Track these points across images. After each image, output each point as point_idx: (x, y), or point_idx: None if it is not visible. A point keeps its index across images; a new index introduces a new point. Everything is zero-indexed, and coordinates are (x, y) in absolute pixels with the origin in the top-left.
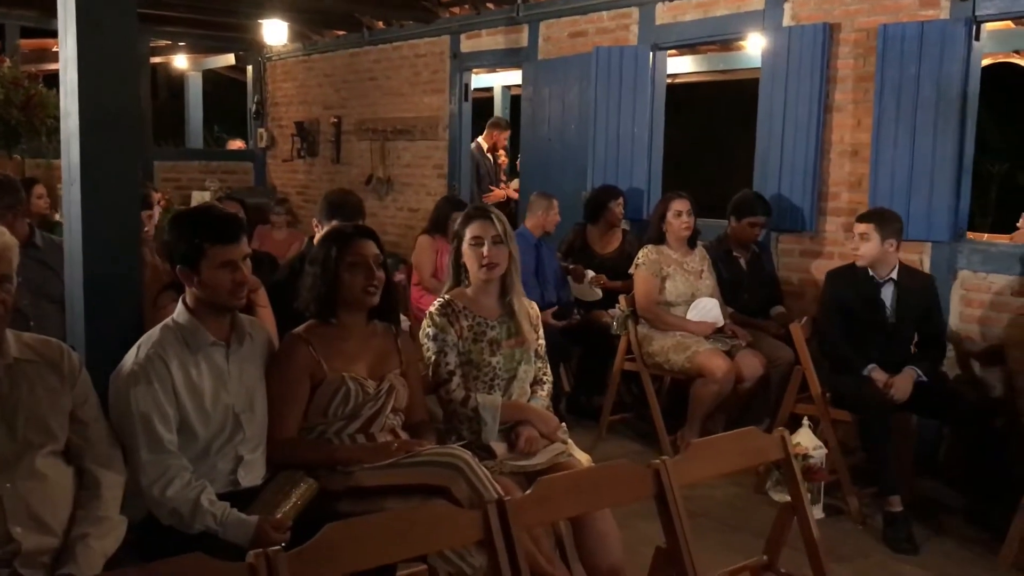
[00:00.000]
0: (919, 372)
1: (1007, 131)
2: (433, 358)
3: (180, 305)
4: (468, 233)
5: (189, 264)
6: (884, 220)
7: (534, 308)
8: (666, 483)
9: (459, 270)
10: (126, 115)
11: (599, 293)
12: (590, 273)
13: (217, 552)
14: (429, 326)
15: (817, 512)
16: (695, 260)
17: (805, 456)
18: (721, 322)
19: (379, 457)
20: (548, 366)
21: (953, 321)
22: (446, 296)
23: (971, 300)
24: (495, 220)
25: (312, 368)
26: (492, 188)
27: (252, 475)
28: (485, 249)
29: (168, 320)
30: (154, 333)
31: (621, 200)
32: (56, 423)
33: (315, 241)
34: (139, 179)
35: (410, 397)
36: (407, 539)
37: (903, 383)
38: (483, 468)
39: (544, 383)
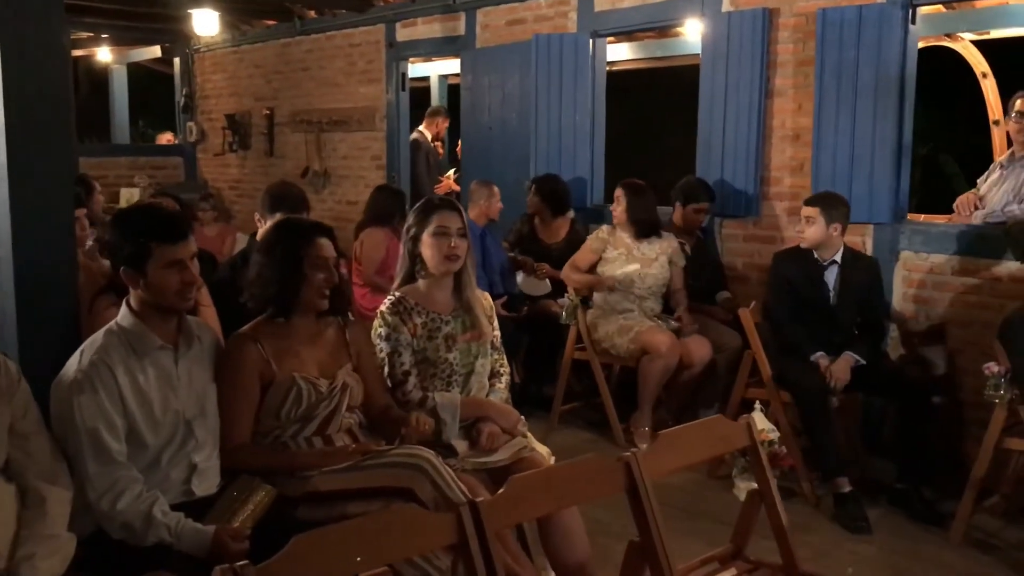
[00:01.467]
0: (857, 357)
1: (931, 114)
2: (387, 359)
3: (124, 308)
4: (433, 223)
5: (134, 265)
6: (830, 204)
7: (488, 299)
8: (637, 476)
9: (415, 263)
10: (56, 109)
11: (548, 286)
12: (533, 278)
13: (172, 564)
14: (381, 326)
15: None
16: (652, 248)
17: (770, 443)
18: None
19: (336, 461)
20: (504, 357)
21: (896, 301)
22: (397, 294)
23: (913, 280)
24: (460, 212)
25: (261, 368)
26: (441, 179)
27: (207, 483)
28: (452, 241)
29: (111, 324)
30: (97, 338)
31: (528, 184)
32: None
33: (261, 234)
34: (72, 175)
35: (369, 385)
36: (379, 547)
37: (840, 370)
38: (447, 467)
39: (501, 375)
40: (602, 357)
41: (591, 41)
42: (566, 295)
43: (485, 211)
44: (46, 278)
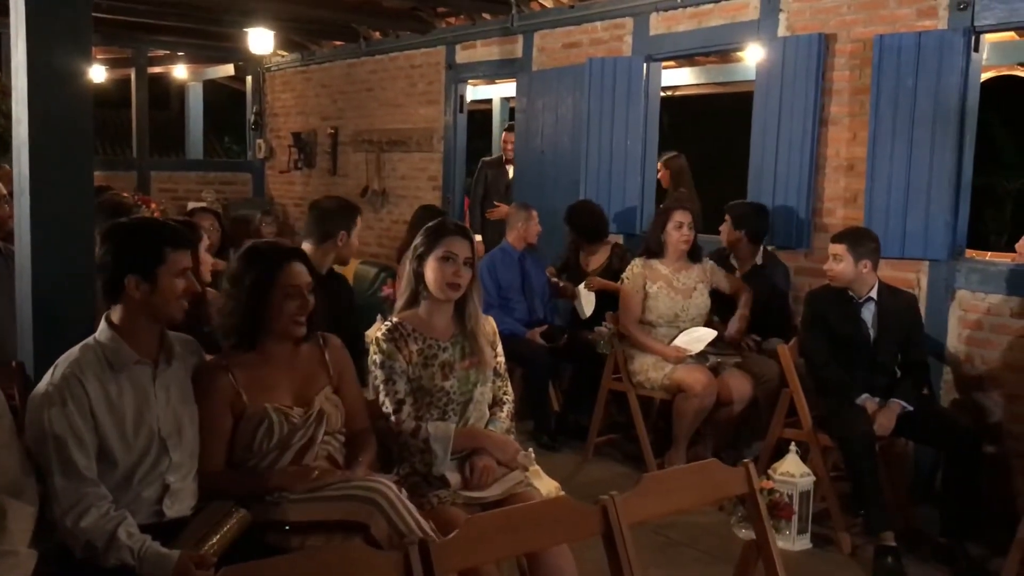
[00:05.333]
0: (904, 403)
1: (1023, 145)
2: (381, 387)
3: (103, 323)
4: (441, 248)
5: (144, 272)
6: (857, 241)
7: (491, 324)
8: (614, 522)
9: (419, 283)
10: (78, 124)
11: (591, 306)
12: (580, 288)
13: None
14: (376, 353)
15: (804, 542)
16: (691, 276)
17: (771, 491)
18: (694, 350)
19: (299, 482)
20: (508, 384)
21: (951, 342)
22: (394, 319)
23: (969, 321)
24: (471, 241)
25: (232, 398)
26: (497, 204)
27: (179, 504)
28: (457, 268)
29: (89, 339)
30: (73, 352)
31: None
32: None
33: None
34: (91, 191)
35: (348, 406)
36: None
37: (887, 418)
38: (407, 504)
39: (504, 403)
40: (637, 389)
41: (645, 65)
42: (604, 323)
43: (523, 235)
44: (64, 290)
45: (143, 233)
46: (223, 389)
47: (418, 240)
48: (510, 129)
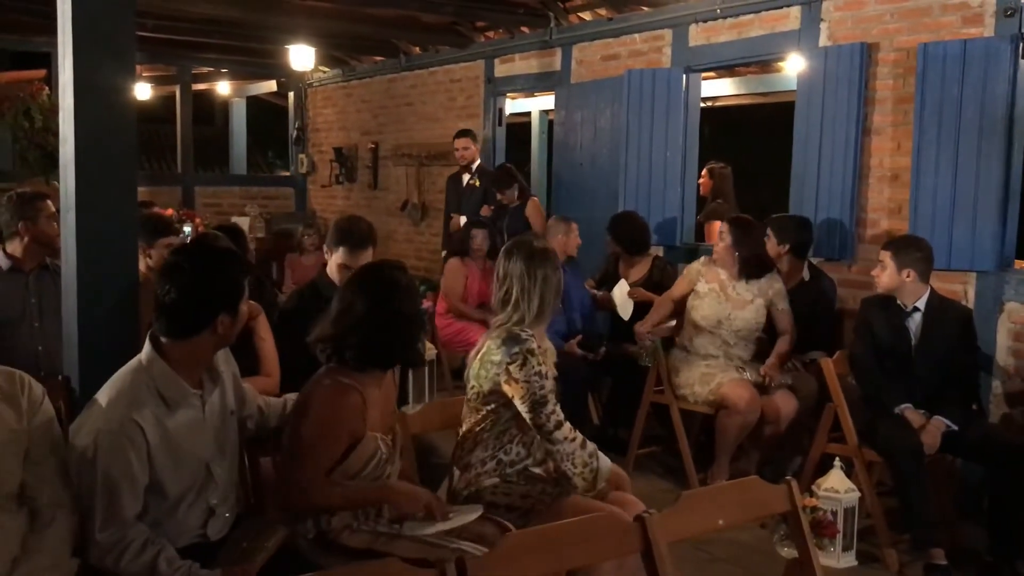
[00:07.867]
0: (948, 423)
1: None
2: (550, 396)
3: (148, 346)
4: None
5: (233, 308)
6: (900, 249)
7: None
8: (653, 540)
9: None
10: (123, 142)
11: (628, 307)
12: (624, 286)
13: None
14: (540, 364)
15: (850, 559)
16: (749, 290)
17: (814, 508)
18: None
19: (412, 506)
20: None
21: (1001, 356)
22: (529, 332)
23: (1020, 334)
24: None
25: (357, 425)
26: (452, 215)
27: (220, 524)
28: None
29: (137, 365)
30: (124, 383)
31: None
32: (11, 466)
33: (332, 267)
34: (135, 206)
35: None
36: None
37: (931, 437)
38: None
39: None
40: (680, 403)
41: (684, 76)
42: (648, 336)
43: (563, 247)
44: (109, 306)
45: (232, 268)
46: (353, 417)
47: (547, 268)
48: (460, 135)
